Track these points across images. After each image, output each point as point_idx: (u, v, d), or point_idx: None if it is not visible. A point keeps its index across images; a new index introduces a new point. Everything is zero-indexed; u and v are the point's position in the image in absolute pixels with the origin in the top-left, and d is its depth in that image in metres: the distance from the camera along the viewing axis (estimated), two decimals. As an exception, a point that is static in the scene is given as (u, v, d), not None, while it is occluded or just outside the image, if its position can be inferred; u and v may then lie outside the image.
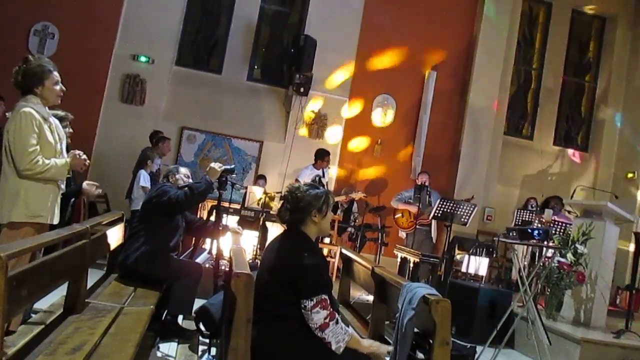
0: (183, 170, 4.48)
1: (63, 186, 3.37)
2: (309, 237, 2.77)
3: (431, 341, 2.47)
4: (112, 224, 4.01)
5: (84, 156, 3.43)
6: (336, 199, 8.02)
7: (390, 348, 2.68)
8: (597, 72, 10.81)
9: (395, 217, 7.98)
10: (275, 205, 7.28)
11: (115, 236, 4.03)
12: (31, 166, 3.06)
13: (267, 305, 2.62)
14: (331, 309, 2.59)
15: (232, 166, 4.26)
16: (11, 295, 1.92)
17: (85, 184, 3.83)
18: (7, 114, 3.23)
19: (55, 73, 3.26)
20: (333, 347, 2.54)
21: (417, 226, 7.65)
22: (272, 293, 2.64)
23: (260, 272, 2.78)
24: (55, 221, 3.31)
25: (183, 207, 4.13)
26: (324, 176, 8.19)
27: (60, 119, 3.82)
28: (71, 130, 3.99)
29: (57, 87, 3.27)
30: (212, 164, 4.17)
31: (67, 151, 3.41)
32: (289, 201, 2.77)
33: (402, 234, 8.01)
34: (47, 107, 3.26)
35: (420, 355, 2.72)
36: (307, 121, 9.11)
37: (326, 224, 2.84)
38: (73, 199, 4.01)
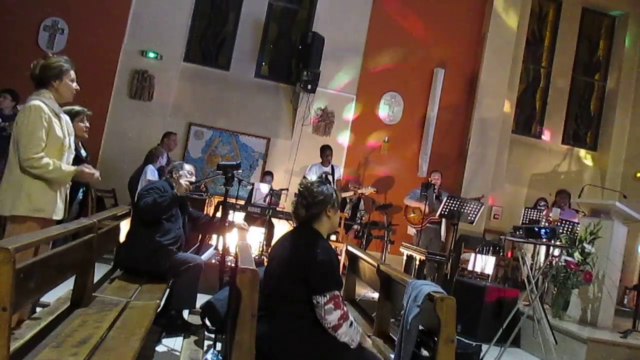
0: (187, 167, 4.47)
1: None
2: (321, 233, 2.77)
3: (436, 339, 2.46)
4: (119, 218, 4.02)
5: (97, 174, 3.42)
6: (343, 194, 8.02)
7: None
8: (606, 71, 10.73)
9: (407, 214, 7.93)
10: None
11: (122, 231, 4.05)
12: (34, 162, 3.04)
13: (278, 301, 2.63)
14: (345, 309, 2.60)
15: (238, 162, 4.28)
16: (19, 287, 1.94)
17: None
18: (18, 106, 3.24)
19: (73, 71, 3.30)
20: (349, 343, 2.62)
21: (428, 224, 7.60)
22: (284, 289, 2.64)
23: (271, 269, 2.78)
24: (60, 216, 3.27)
25: (148, 217, 4.11)
26: (333, 173, 8.17)
27: (76, 114, 3.85)
28: (88, 124, 4.01)
29: (74, 85, 3.32)
30: (181, 180, 4.29)
31: (76, 146, 3.42)
32: (306, 197, 2.75)
33: (412, 231, 7.95)
34: (57, 103, 3.27)
35: (424, 352, 2.71)
36: (314, 118, 9.11)
37: (337, 219, 2.88)
38: (82, 191, 4.00)
